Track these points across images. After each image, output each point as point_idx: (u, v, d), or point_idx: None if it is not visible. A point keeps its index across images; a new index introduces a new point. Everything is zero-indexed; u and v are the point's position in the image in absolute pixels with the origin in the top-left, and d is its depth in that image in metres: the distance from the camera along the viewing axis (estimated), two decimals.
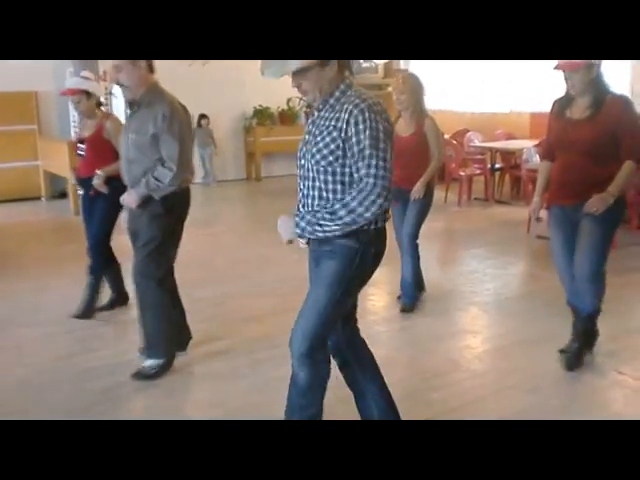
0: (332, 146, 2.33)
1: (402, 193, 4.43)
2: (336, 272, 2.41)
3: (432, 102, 10.78)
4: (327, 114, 2.39)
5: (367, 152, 2.28)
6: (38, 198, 8.91)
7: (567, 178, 3.46)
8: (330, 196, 2.38)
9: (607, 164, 3.34)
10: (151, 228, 3.45)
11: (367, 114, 2.28)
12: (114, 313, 4.54)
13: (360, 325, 4.39)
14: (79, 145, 4.46)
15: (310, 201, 2.44)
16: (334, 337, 2.60)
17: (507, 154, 8.88)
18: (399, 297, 4.70)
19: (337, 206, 2.31)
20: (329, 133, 2.34)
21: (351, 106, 2.30)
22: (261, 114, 10.66)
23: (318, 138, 2.37)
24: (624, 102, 3.38)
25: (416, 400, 3.30)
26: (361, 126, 2.28)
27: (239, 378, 3.55)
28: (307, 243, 2.50)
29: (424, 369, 3.68)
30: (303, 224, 2.35)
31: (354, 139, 2.29)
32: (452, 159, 8.61)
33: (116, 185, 4.11)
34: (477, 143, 9.12)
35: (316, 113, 2.45)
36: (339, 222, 2.31)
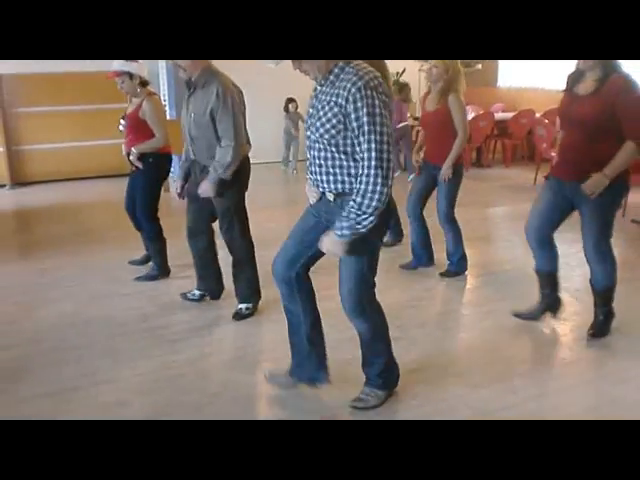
0: (334, 120, 2.50)
1: (428, 166, 4.66)
2: (360, 240, 2.57)
3: (524, 80, 10.62)
4: (328, 89, 2.54)
5: (366, 128, 2.43)
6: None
7: (568, 155, 3.49)
8: (336, 163, 2.57)
9: (607, 143, 3.29)
10: (224, 198, 3.77)
11: (363, 91, 2.41)
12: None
13: (443, 309, 4.35)
14: (121, 121, 4.69)
15: (316, 168, 2.66)
16: (292, 272, 2.87)
17: None
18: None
19: (358, 199, 2.47)
20: (330, 108, 2.51)
21: (349, 84, 2.44)
22: None
23: (321, 113, 2.55)
24: (624, 81, 3.24)
25: (500, 386, 3.21)
26: (359, 103, 2.42)
27: None
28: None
29: (509, 355, 3.57)
30: (346, 232, 2.52)
31: (353, 115, 2.45)
32: (543, 139, 8.29)
33: (150, 160, 4.55)
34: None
35: (318, 88, 2.62)
36: (371, 210, 2.47)
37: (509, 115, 9.85)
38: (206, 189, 3.72)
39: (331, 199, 2.67)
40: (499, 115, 9.99)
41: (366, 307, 2.82)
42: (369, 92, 2.43)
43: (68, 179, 8.83)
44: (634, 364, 3.40)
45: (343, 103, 2.46)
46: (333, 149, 2.56)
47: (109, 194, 7.88)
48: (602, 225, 3.49)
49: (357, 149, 2.51)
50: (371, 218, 2.49)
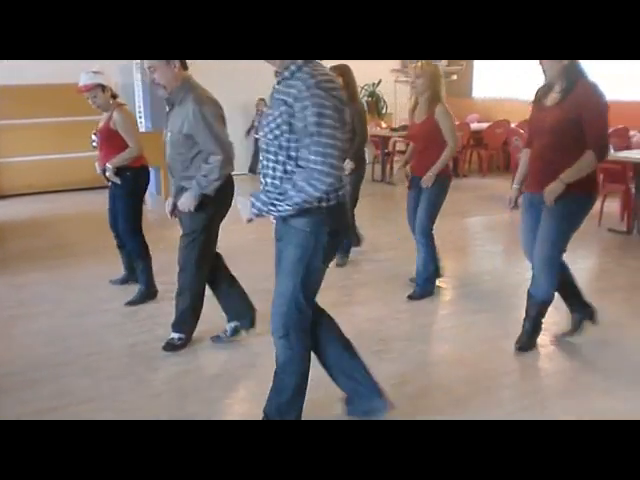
0: (279, 120, 2.38)
1: (416, 181, 4.53)
2: (295, 259, 2.51)
3: (498, 91, 10.72)
4: (282, 88, 2.42)
5: (313, 129, 2.30)
6: (105, 187, 9.04)
7: (534, 166, 3.51)
8: (279, 167, 2.45)
9: (572, 154, 3.30)
10: (194, 218, 3.54)
11: (313, 90, 2.28)
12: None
13: (425, 320, 4.34)
14: (93, 137, 4.56)
15: (266, 171, 2.53)
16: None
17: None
18: (412, 279, 4.72)
19: (287, 186, 2.38)
20: (277, 107, 2.39)
21: (299, 82, 2.32)
22: None
23: (269, 111, 2.46)
24: (592, 88, 3.30)
25: (484, 398, 3.20)
26: (307, 102, 2.29)
27: None
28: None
29: (492, 367, 3.56)
30: (259, 204, 2.45)
31: (299, 115, 2.31)
32: (518, 148, 8.35)
33: (128, 174, 4.44)
34: None
35: (276, 85, 2.48)
36: (290, 202, 2.38)
37: (484, 125, 9.94)
38: (186, 203, 3.51)
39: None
40: (474, 125, 10.08)
41: (290, 333, 2.60)
42: (319, 92, 2.29)
43: (44, 192, 8.70)
44: (617, 375, 3.41)
45: (290, 101, 2.34)
46: (278, 150, 2.44)
47: (86, 207, 7.79)
48: (557, 236, 3.46)
49: (301, 153, 2.37)
50: (287, 207, 2.40)
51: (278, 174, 2.47)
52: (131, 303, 4.51)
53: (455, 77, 10.88)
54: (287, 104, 2.35)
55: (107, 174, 4.40)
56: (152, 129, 8.17)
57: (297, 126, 2.33)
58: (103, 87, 4.31)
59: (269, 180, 2.51)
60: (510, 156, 9.09)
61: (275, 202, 2.41)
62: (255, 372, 3.51)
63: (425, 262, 4.55)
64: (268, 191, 2.46)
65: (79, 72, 4.30)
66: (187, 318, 3.76)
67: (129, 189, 4.49)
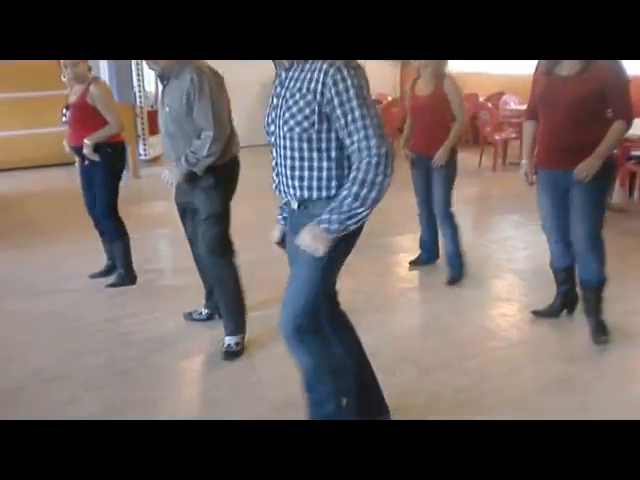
0: (307, 111, 2.10)
1: (422, 159, 4.31)
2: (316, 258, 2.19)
3: (466, 64, 10.74)
4: (297, 74, 2.14)
5: (357, 113, 2.05)
6: (71, 164, 8.92)
7: (555, 142, 3.32)
8: (305, 164, 2.17)
9: (595, 126, 3.21)
10: (210, 201, 3.30)
11: (346, 71, 2.04)
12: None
13: (393, 293, 4.39)
14: (64, 111, 4.27)
15: (285, 170, 2.23)
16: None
17: None
18: (411, 262, 4.68)
19: (355, 188, 2.05)
20: (303, 96, 2.10)
21: (325, 65, 2.05)
22: None
23: (290, 102, 2.14)
24: (612, 59, 3.20)
25: (452, 368, 3.26)
26: (341, 85, 2.04)
27: None
28: (282, 216, 2.46)
29: (459, 337, 3.63)
30: (335, 226, 2.07)
31: (336, 101, 2.05)
32: (487, 122, 8.44)
33: (108, 151, 4.16)
34: (513, 106, 8.90)
35: (283, 74, 2.19)
36: (369, 202, 2.07)
37: None
38: (170, 177, 3.28)
39: (295, 207, 2.28)
40: None
41: (306, 336, 2.33)
42: (352, 72, 2.05)
43: (8, 169, 8.54)
44: (582, 342, 3.50)
45: (319, 88, 2.06)
46: (304, 145, 2.15)
47: (52, 183, 7.67)
48: (596, 211, 3.33)
49: (347, 142, 2.10)
50: (365, 213, 2.09)
51: (299, 164, 2.19)
52: (112, 285, 4.38)
53: None
54: (311, 91, 2.09)
55: (85, 151, 4.10)
56: (120, 101, 8.05)
57: (334, 114, 2.09)
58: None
59: (288, 171, 2.22)
60: (478, 130, 9.15)
61: (353, 212, 2.07)
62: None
63: (454, 240, 4.38)
64: (335, 205, 2.08)
65: None
66: (234, 314, 3.45)
67: (109, 167, 4.22)
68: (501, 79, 9.90)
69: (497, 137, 8.47)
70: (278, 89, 2.21)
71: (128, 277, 4.41)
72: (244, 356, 3.40)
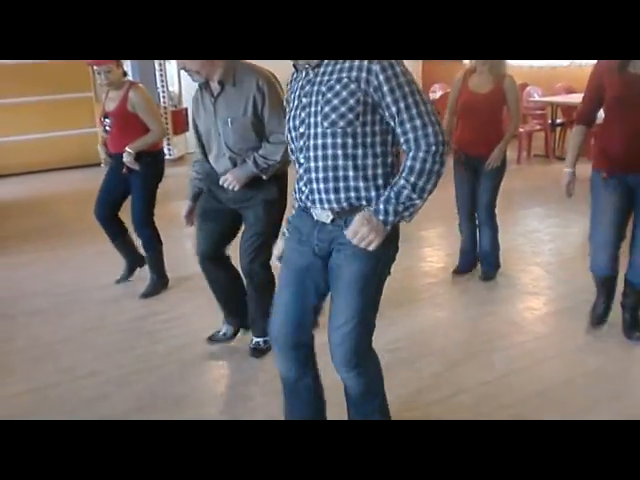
0: (351, 101, 1.93)
1: (471, 160, 4.15)
2: (369, 272, 2.08)
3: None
4: (330, 68, 1.98)
5: (410, 100, 1.92)
6: (97, 165, 9.04)
7: (633, 144, 3.08)
8: (349, 163, 1.99)
9: None
10: (270, 215, 3.11)
11: (389, 60, 1.92)
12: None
13: (419, 288, 4.39)
14: (104, 120, 4.09)
15: (319, 175, 2.03)
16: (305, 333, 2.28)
17: (568, 108, 8.57)
18: (455, 271, 4.46)
19: (412, 178, 1.92)
20: (344, 86, 1.94)
21: (365, 61, 1.93)
22: None
23: (329, 95, 1.96)
24: None
25: (479, 362, 3.26)
26: (389, 72, 1.90)
27: None
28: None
29: (486, 331, 3.63)
30: (391, 217, 1.93)
31: (385, 88, 1.91)
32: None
33: (148, 160, 4.03)
34: (537, 98, 8.82)
35: (311, 72, 2.02)
36: (426, 194, 1.95)
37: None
38: (234, 180, 3.03)
39: (328, 220, 2.07)
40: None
41: (362, 361, 2.19)
42: (394, 61, 1.94)
43: (38, 171, 8.67)
44: (609, 336, 3.47)
45: (364, 76, 1.91)
46: (348, 141, 1.97)
47: (79, 184, 7.77)
48: None
49: (398, 131, 1.97)
50: (421, 204, 1.96)
51: (342, 163, 2.01)
52: (145, 295, 4.27)
53: None
54: (354, 80, 1.94)
55: (125, 160, 3.93)
56: None
57: (383, 102, 1.95)
58: (117, 62, 3.91)
59: (320, 174, 2.04)
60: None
61: (409, 203, 1.94)
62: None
63: (494, 240, 4.31)
64: (392, 195, 1.94)
65: None
66: (266, 316, 3.31)
67: (149, 176, 4.08)
68: (524, 71, 9.80)
69: (521, 129, 8.39)
70: (307, 87, 2.03)
71: (160, 283, 4.37)
72: (271, 353, 3.41)
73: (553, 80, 9.33)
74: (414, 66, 11.50)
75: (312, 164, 2.03)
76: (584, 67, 9.42)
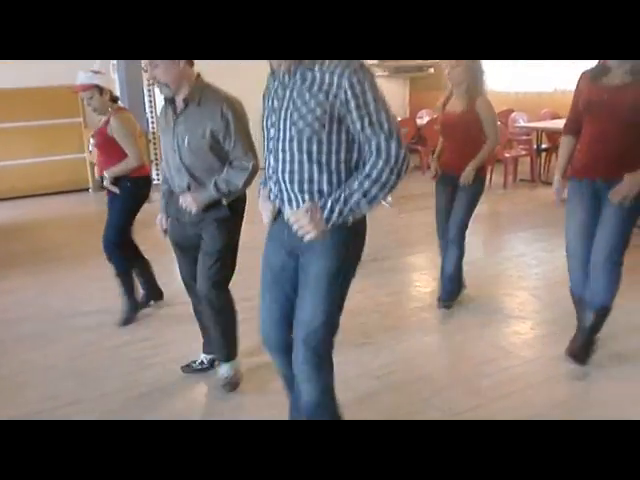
0: (318, 111, 2.01)
1: (450, 179, 4.17)
2: (333, 272, 2.16)
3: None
4: (304, 75, 2.05)
5: (375, 117, 1.99)
6: (86, 190, 9.06)
7: (601, 148, 3.18)
8: (314, 167, 2.07)
9: (637, 139, 3.09)
10: (222, 234, 3.11)
11: (362, 73, 1.98)
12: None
13: (406, 312, 4.40)
14: (90, 140, 4.25)
15: (286, 177, 2.13)
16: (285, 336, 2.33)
17: (553, 134, 8.67)
18: (439, 299, 4.38)
19: (366, 185, 2.00)
20: (314, 96, 2.01)
21: (339, 68, 1.97)
22: None
23: (298, 102, 2.04)
24: None
25: (466, 387, 3.26)
26: (358, 88, 1.97)
27: None
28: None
29: (472, 355, 3.63)
30: (335, 216, 2.03)
31: (353, 103, 1.98)
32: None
33: (126, 184, 4.08)
34: (522, 123, 8.93)
35: (286, 76, 2.09)
36: (375, 201, 2.03)
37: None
38: (191, 201, 3.04)
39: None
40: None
41: (322, 367, 2.25)
42: (367, 74, 1.99)
43: (23, 196, 8.65)
44: (596, 360, 3.47)
45: (334, 90, 1.98)
46: (314, 147, 2.06)
47: (68, 210, 7.76)
48: (624, 233, 3.20)
49: (360, 138, 2.03)
50: (368, 210, 2.06)
51: (307, 167, 2.11)
52: (124, 323, 4.25)
53: (432, 70, 10.96)
54: (323, 91, 2.01)
55: (104, 183, 4.09)
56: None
57: (349, 114, 2.02)
58: (101, 89, 3.99)
59: (287, 176, 2.14)
60: None
61: (357, 207, 2.04)
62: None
63: (458, 263, 4.27)
64: (348, 191, 2.03)
65: (60, 74, 4.19)
66: (230, 341, 3.33)
67: (126, 200, 4.14)
68: (510, 97, 9.95)
69: (507, 154, 8.49)
70: (280, 91, 2.11)
71: (151, 294, 4.43)
72: (260, 382, 3.39)
73: (538, 106, 9.44)
74: (401, 93, 11.61)
75: (280, 165, 2.13)
76: (567, 93, 9.58)
